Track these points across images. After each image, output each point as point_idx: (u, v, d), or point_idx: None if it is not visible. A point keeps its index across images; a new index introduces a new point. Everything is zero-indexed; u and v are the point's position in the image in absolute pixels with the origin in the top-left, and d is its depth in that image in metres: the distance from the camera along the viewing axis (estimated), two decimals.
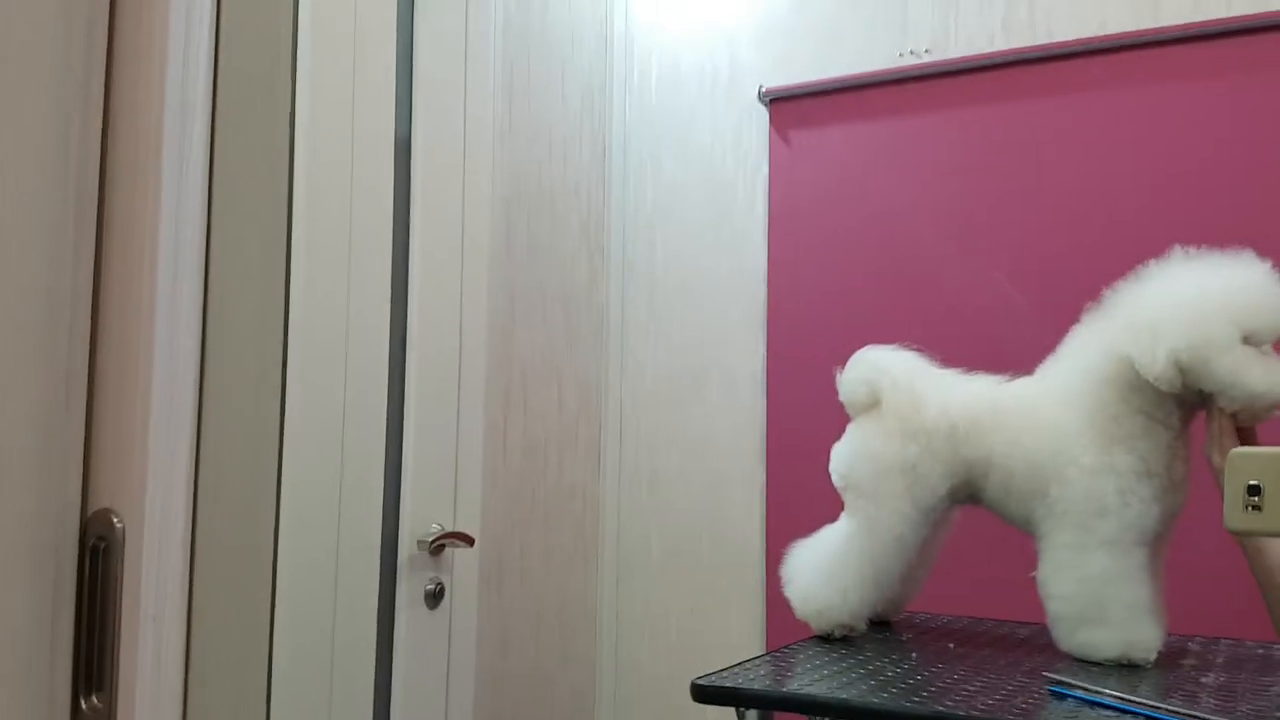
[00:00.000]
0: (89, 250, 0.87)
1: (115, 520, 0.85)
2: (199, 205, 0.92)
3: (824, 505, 1.61)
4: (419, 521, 2.06)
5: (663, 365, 2.76)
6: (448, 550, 2.12)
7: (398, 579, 2.01)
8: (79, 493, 0.86)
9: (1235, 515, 1.09)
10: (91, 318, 0.87)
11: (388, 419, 1.99)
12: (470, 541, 2.12)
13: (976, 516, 1.61)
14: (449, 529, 2.10)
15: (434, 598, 2.08)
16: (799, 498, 2.48)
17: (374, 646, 1.94)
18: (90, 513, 0.86)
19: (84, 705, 0.86)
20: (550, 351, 2.62)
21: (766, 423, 2.60)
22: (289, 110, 1.06)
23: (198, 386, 0.89)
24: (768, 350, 2.60)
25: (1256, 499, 1.07)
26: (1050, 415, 1.44)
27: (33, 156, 0.82)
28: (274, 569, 1.65)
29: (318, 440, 1.82)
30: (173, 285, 0.88)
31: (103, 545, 0.86)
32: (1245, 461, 1.09)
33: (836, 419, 1.63)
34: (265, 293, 1.05)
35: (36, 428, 0.83)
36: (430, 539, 2.05)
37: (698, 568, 2.69)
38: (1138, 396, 1.39)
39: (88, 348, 0.87)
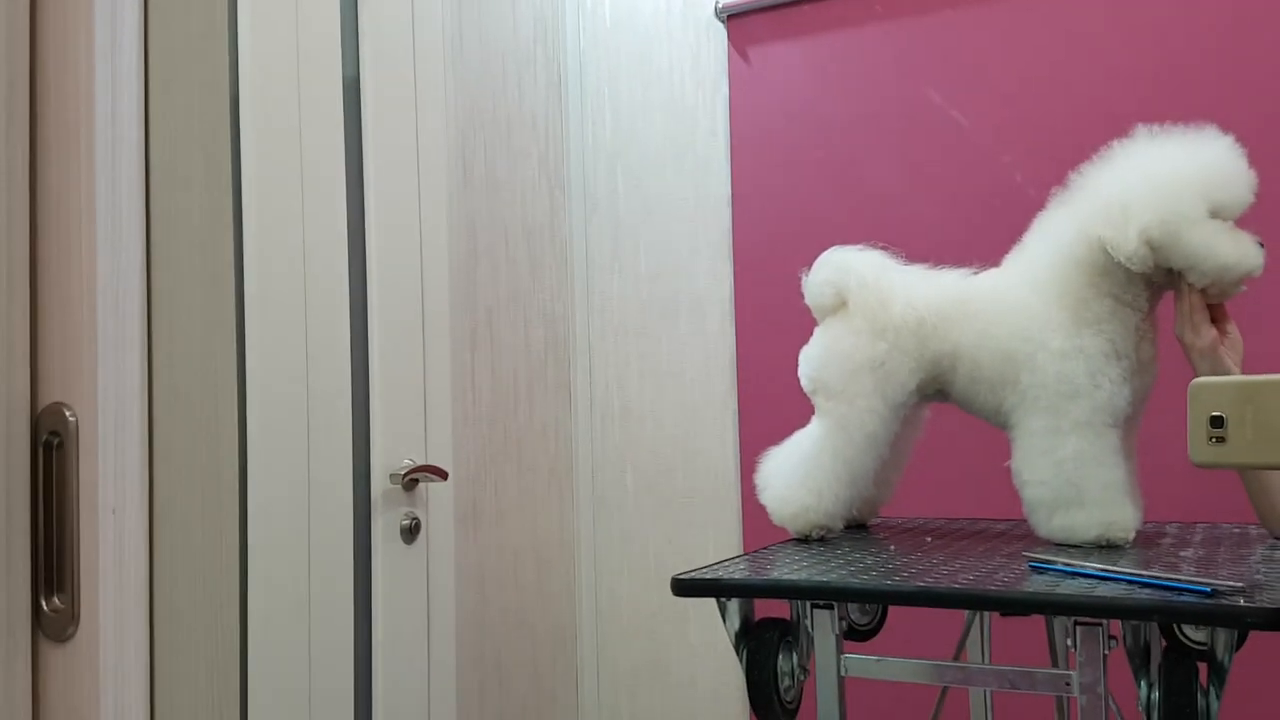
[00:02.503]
0: (22, 130, 0.84)
1: (68, 413, 0.82)
2: (135, 106, 0.89)
3: (797, 428, 1.60)
4: (390, 456, 2.04)
5: (630, 297, 2.74)
6: (422, 486, 2.10)
7: (372, 513, 1.99)
8: (27, 387, 0.83)
9: (1199, 448, 1.05)
10: (30, 202, 0.83)
11: (352, 357, 1.96)
12: (443, 475, 2.10)
13: (948, 422, 1.60)
14: (421, 464, 2.08)
15: (410, 533, 2.07)
16: (772, 423, 2.46)
17: (352, 578, 1.92)
18: (41, 408, 0.83)
19: (45, 607, 0.83)
20: (515, 287, 2.59)
21: (736, 349, 2.58)
22: (222, 40, 1.02)
23: (144, 274, 0.86)
24: (735, 276, 2.58)
25: (1220, 430, 1.04)
26: (1018, 303, 1.43)
27: None
28: (244, 475, 1.62)
29: (281, 377, 1.80)
30: (112, 171, 0.85)
31: (56, 440, 0.83)
32: (1206, 392, 1.05)
33: (806, 341, 1.61)
34: (212, 200, 1.02)
35: None
36: (403, 473, 2.03)
37: (674, 499, 2.69)
38: (1106, 280, 1.39)
39: (28, 235, 0.84)
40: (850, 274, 1.53)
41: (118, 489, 0.82)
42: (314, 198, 1.88)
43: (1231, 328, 1.40)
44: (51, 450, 0.83)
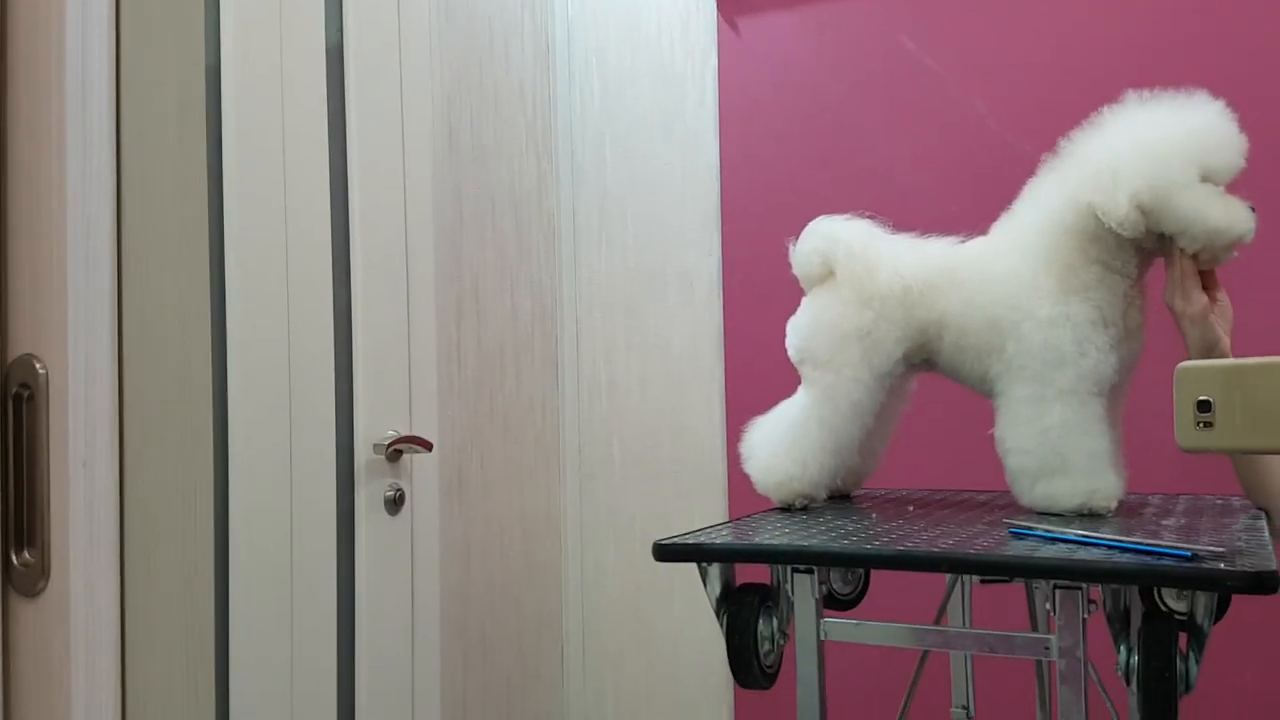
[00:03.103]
0: None
1: (38, 365, 0.81)
2: (107, 57, 0.87)
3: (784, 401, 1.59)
4: (374, 428, 2.03)
5: (617, 268, 2.73)
6: (406, 457, 2.09)
7: (356, 484, 1.98)
8: None
9: (1187, 433, 1.04)
10: None
11: (335, 324, 1.95)
12: (428, 446, 2.09)
13: (934, 394, 1.60)
14: (405, 434, 2.07)
15: (394, 504, 2.06)
16: (759, 396, 2.46)
17: (334, 549, 1.92)
18: (10, 360, 0.82)
19: (14, 561, 0.83)
20: (501, 258, 2.58)
21: (724, 321, 2.58)
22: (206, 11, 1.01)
23: (114, 227, 0.85)
24: (723, 249, 2.57)
25: (1208, 415, 1.02)
26: (1005, 270, 1.42)
27: None
28: (223, 442, 1.61)
29: (263, 342, 1.78)
30: (83, 121, 0.84)
31: (26, 393, 0.82)
32: (1193, 376, 1.03)
33: (795, 312, 1.60)
34: (187, 157, 1.00)
35: None
36: (387, 443, 2.02)
37: (660, 472, 2.68)
38: (1094, 246, 1.38)
39: None
40: (837, 243, 1.53)
41: (89, 442, 0.81)
42: (296, 163, 1.87)
43: (1222, 295, 1.39)
44: (21, 402, 0.82)
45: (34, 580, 0.83)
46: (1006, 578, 1.39)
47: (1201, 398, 1.03)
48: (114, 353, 0.83)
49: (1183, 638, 1.12)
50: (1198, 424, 1.03)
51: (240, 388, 1.73)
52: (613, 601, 2.73)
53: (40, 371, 0.81)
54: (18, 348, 0.82)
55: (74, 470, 0.81)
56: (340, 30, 2.01)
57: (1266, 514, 1.42)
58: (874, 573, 1.53)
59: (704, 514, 2.62)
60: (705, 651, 2.63)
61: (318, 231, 1.91)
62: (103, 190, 0.82)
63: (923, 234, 1.55)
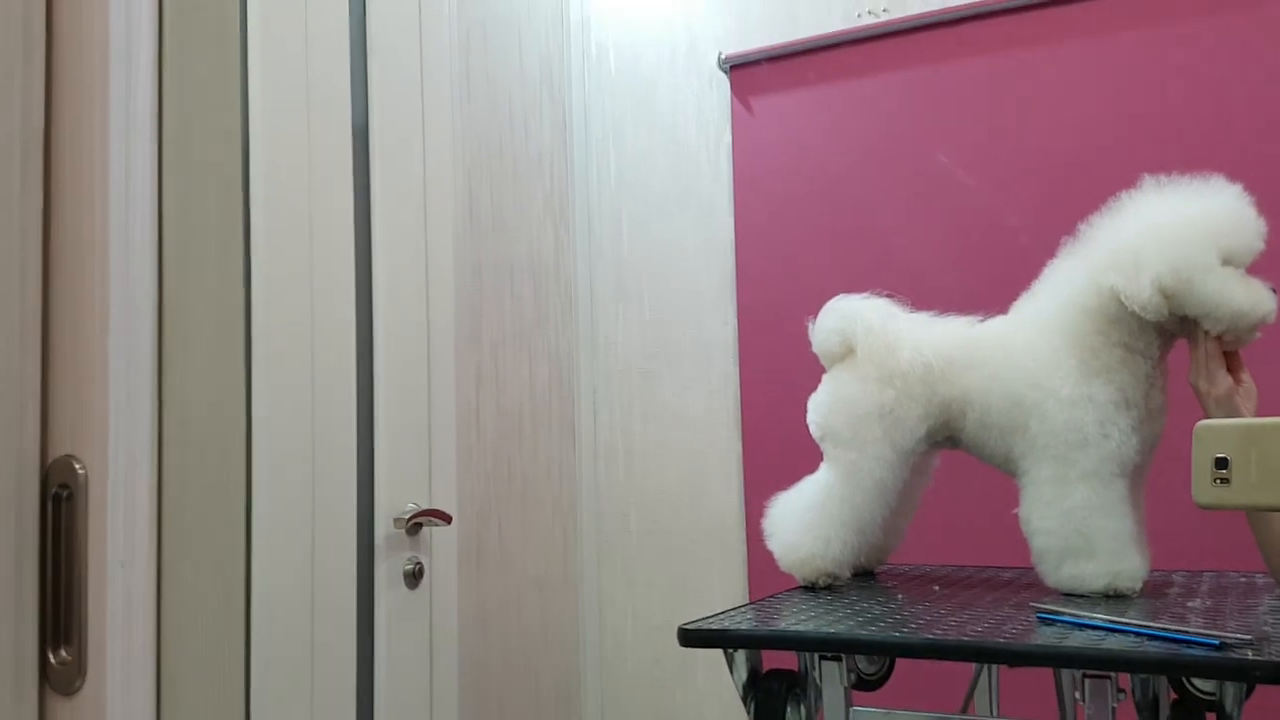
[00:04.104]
0: (36, 190, 0.84)
1: (77, 466, 0.82)
2: (149, 155, 0.89)
3: (803, 473, 1.59)
4: (394, 501, 2.03)
5: (634, 338, 2.74)
6: (425, 529, 2.10)
7: (376, 559, 1.98)
8: (38, 440, 0.83)
9: (1203, 489, 1.06)
10: (43, 256, 0.84)
11: (357, 398, 1.96)
12: (447, 519, 2.09)
13: (956, 470, 1.60)
14: (425, 507, 2.07)
15: (414, 577, 2.06)
16: (777, 467, 2.47)
17: (354, 625, 1.91)
18: (50, 460, 0.83)
19: (52, 659, 0.83)
20: (520, 327, 2.60)
21: (740, 392, 2.58)
22: (236, 91, 1.04)
23: (156, 328, 0.86)
24: (738, 319, 2.59)
25: (1224, 472, 1.04)
26: (1027, 349, 1.43)
27: None
28: (249, 524, 1.62)
29: (287, 421, 1.79)
30: (125, 227, 0.85)
31: (65, 493, 0.83)
32: (1211, 434, 1.05)
33: (812, 385, 1.61)
34: (224, 250, 1.02)
35: None
36: (407, 517, 2.02)
37: (678, 542, 2.68)
38: (1116, 328, 1.39)
39: (40, 290, 0.84)
40: (857, 321, 1.54)
41: (127, 542, 0.82)
42: (323, 242, 1.89)
43: (1246, 376, 1.40)
44: (60, 502, 0.83)
45: (71, 679, 0.83)
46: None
47: (1219, 455, 1.04)
48: (154, 454, 0.84)
49: (1210, 718, 1.12)
50: (1214, 481, 1.05)
51: (265, 469, 1.74)
52: (631, 673, 2.71)
53: (80, 472, 0.82)
54: (58, 449, 0.83)
55: (112, 570, 0.82)
56: (366, 111, 2.04)
57: None
58: None
59: (722, 584, 2.61)
60: None
61: (342, 309, 1.93)
62: (145, 296, 0.84)
63: (939, 312, 1.56)
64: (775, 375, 2.52)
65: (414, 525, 2.04)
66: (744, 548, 2.58)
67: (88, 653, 0.82)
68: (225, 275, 1.01)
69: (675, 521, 2.68)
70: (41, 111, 0.85)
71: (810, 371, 1.61)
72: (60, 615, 0.83)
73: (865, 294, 1.59)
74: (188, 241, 0.95)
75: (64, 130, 0.86)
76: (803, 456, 1.60)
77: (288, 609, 1.77)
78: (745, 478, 2.58)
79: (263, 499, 1.72)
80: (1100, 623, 1.17)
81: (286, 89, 1.83)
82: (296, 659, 1.78)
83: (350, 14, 2.01)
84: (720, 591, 2.61)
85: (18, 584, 0.82)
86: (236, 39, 1.05)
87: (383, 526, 2.00)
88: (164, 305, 0.89)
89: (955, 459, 1.59)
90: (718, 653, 1.30)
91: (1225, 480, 1.04)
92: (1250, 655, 1.02)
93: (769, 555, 1.55)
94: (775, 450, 2.50)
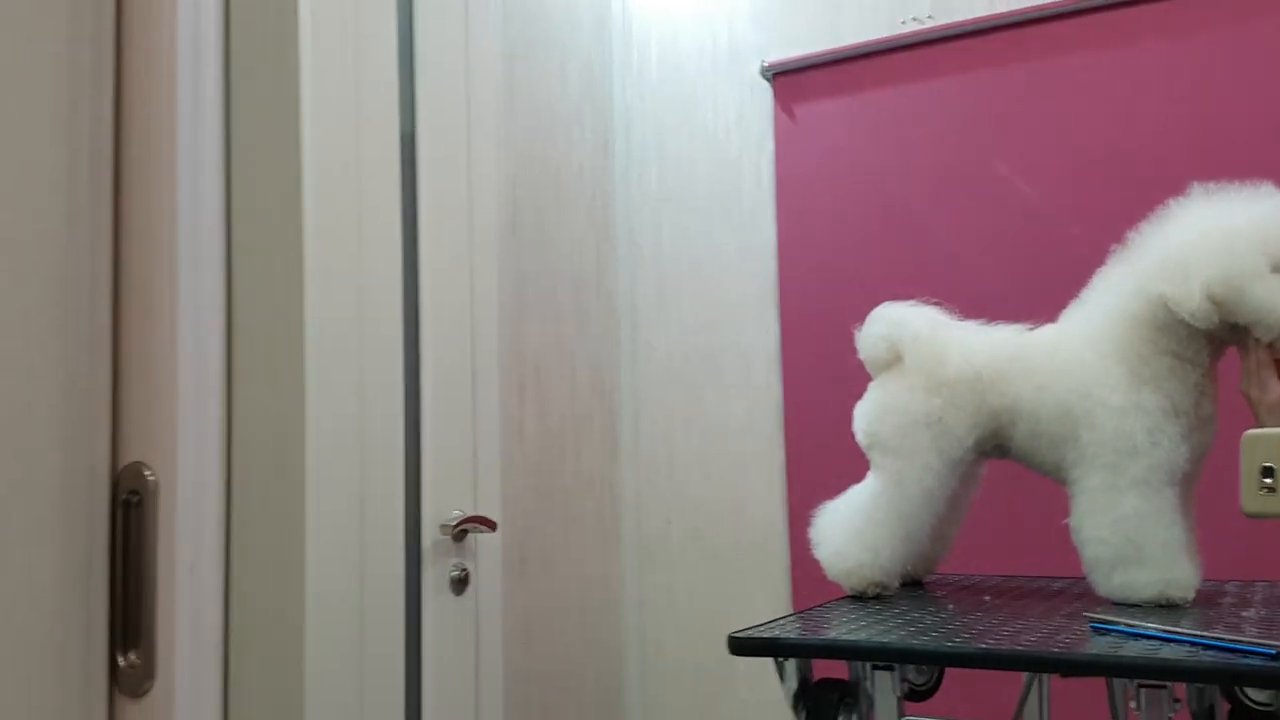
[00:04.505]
0: (106, 205, 0.86)
1: (147, 473, 0.84)
2: (216, 163, 0.91)
3: (847, 480, 1.60)
4: (440, 508, 2.05)
5: (675, 348, 2.75)
6: (470, 537, 2.11)
7: (423, 565, 2.00)
8: (108, 447, 0.85)
9: (1251, 498, 1.05)
10: (113, 270, 0.86)
11: (405, 411, 1.98)
12: (492, 525, 2.10)
13: (1004, 479, 1.60)
14: (470, 514, 2.09)
15: (459, 584, 2.07)
16: (820, 475, 2.47)
17: (403, 630, 1.93)
18: (121, 467, 0.85)
19: (121, 662, 0.85)
20: (561, 338, 2.61)
21: (783, 400, 2.58)
22: (296, 106, 1.05)
23: (225, 335, 0.88)
24: (781, 327, 2.59)
25: (1270, 480, 1.03)
26: (1076, 358, 1.42)
27: (46, 114, 0.82)
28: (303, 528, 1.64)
29: (338, 430, 1.81)
30: (193, 239, 0.87)
31: (135, 499, 0.85)
32: (1258, 443, 1.05)
33: (854, 392, 1.61)
34: (285, 261, 1.04)
35: (62, 383, 0.82)
36: (453, 524, 2.04)
37: (720, 551, 2.68)
38: (1165, 337, 1.38)
39: (110, 300, 0.86)
40: (905, 329, 1.54)
41: (195, 547, 0.84)
42: (371, 254, 1.91)
43: None
44: (130, 508, 0.85)
45: (139, 681, 0.85)
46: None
47: (1266, 464, 1.04)
48: (222, 461, 0.86)
49: None
50: (1261, 489, 1.04)
51: (319, 476, 1.76)
52: (673, 681, 2.71)
53: (149, 479, 0.84)
54: (128, 455, 0.85)
55: (180, 574, 0.83)
56: (414, 120, 2.07)
57: None
58: None
59: (765, 594, 2.61)
60: None
61: (389, 320, 1.95)
62: (213, 306, 0.86)
63: (986, 320, 1.56)
64: (818, 384, 2.52)
65: (460, 532, 2.06)
66: (787, 557, 2.57)
67: (156, 656, 0.84)
68: (286, 286, 1.03)
69: (717, 530, 2.68)
70: (110, 127, 0.87)
71: (854, 380, 1.61)
72: (129, 619, 0.85)
73: (912, 302, 1.59)
74: (251, 253, 0.97)
75: (132, 154, 0.88)
76: (847, 465, 1.60)
77: (339, 613, 1.78)
78: (788, 486, 2.57)
79: (316, 506, 1.74)
80: (1154, 632, 1.16)
81: (337, 101, 1.86)
82: (347, 663, 1.79)
83: (399, 28, 2.04)
84: (763, 600, 2.61)
85: (88, 588, 0.83)
86: (295, 54, 1.07)
87: (429, 533, 2.01)
88: (231, 316, 0.91)
89: (1003, 467, 1.58)
90: (760, 662, 1.30)
91: (1271, 489, 1.03)
92: None
93: (812, 564, 1.55)
94: (818, 459, 2.49)
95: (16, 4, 0.80)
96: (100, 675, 0.85)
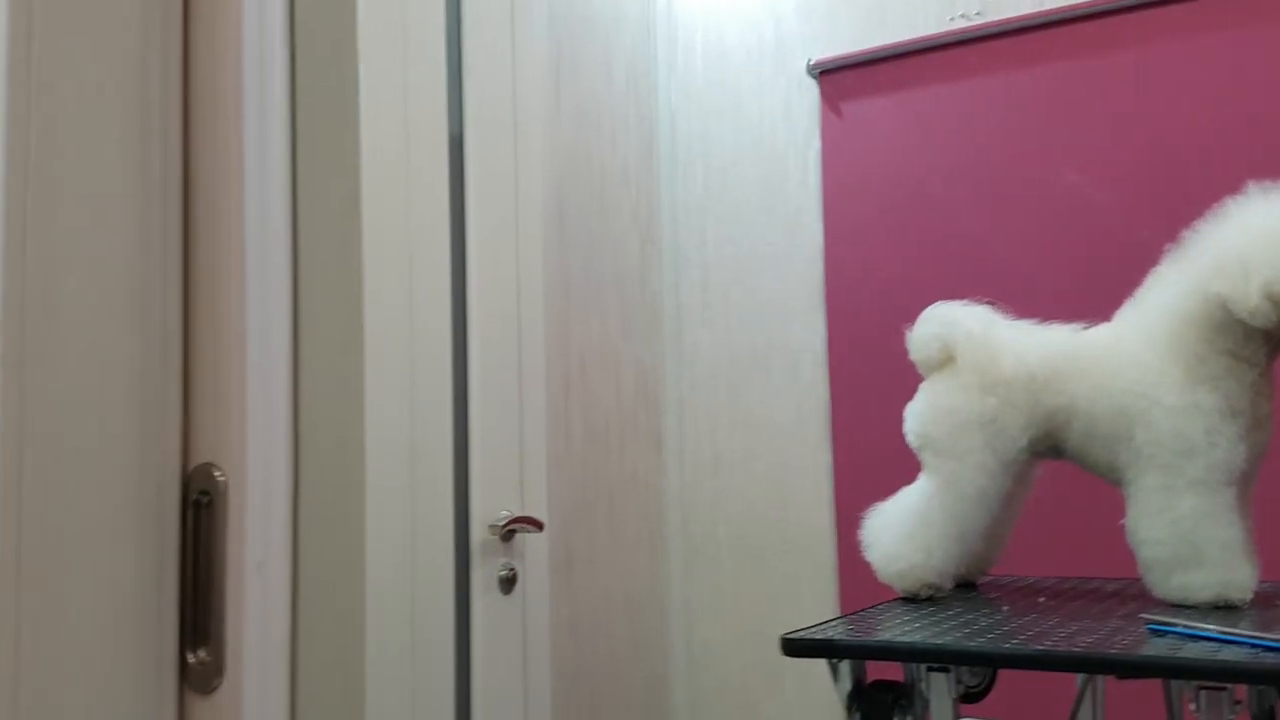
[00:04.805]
0: (176, 214, 0.88)
1: (217, 474, 0.86)
2: (282, 169, 0.93)
3: (895, 482, 1.59)
4: (488, 508, 2.06)
5: (721, 348, 2.75)
6: (518, 537, 2.12)
7: (471, 565, 2.02)
8: (179, 449, 0.87)
9: None
10: (183, 278, 0.88)
11: (454, 413, 1.99)
12: (539, 526, 2.12)
13: (1057, 480, 1.59)
14: (518, 514, 2.10)
15: (507, 583, 2.08)
16: (868, 478, 2.46)
17: (453, 629, 1.94)
18: (191, 468, 0.87)
19: (191, 659, 0.86)
20: (606, 339, 2.62)
21: (830, 401, 2.58)
22: (356, 112, 1.07)
23: (292, 339, 0.90)
24: (828, 327, 2.58)
25: None
26: (1132, 357, 1.41)
27: (118, 123, 0.84)
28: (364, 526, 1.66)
29: (390, 431, 1.83)
30: (261, 247, 0.89)
31: (205, 499, 0.86)
32: None
33: (903, 393, 1.61)
34: (346, 265, 1.05)
35: (136, 388, 0.84)
36: (501, 524, 2.05)
37: (767, 552, 2.68)
38: (1222, 336, 1.37)
39: (181, 308, 0.88)
40: (957, 328, 1.53)
41: (264, 546, 0.85)
42: (420, 255, 1.93)
43: None
44: (200, 508, 0.86)
45: (209, 678, 0.86)
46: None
47: None
48: (289, 462, 0.87)
49: None
50: None
51: (372, 478, 1.78)
52: (720, 683, 2.71)
53: (220, 479, 0.85)
54: (198, 457, 0.87)
55: (249, 573, 0.85)
56: (461, 123, 2.08)
57: None
58: None
59: (812, 595, 2.61)
60: None
61: (438, 323, 1.97)
62: (280, 312, 0.87)
63: (1038, 320, 1.55)
64: (865, 384, 2.51)
65: (508, 532, 2.07)
66: (834, 559, 2.57)
67: (225, 653, 0.85)
68: (347, 292, 1.04)
69: (763, 531, 2.68)
70: (179, 136, 0.89)
71: (903, 380, 1.61)
72: (199, 617, 0.86)
73: (964, 301, 1.58)
74: (313, 259, 0.98)
75: (200, 167, 0.90)
76: (895, 466, 1.59)
77: (393, 611, 1.80)
78: (836, 487, 2.57)
79: (372, 506, 1.75)
80: (1214, 634, 1.15)
81: (388, 106, 1.88)
82: (400, 659, 1.81)
83: (447, 33, 2.05)
84: (810, 602, 2.61)
85: (159, 587, 0.85)
86: (354, 63, 1.08)
87: (478, 533, 2.03)
88: (296, 322, 0.93)
89: (1056, 468, 1.57)
90: (807, 663, 1.30)
91: None
92: None
93: (861, 566, 1.55)
94: (866, 460, 2.49)
95: (91, 20, 0.81)
96: (171, 672, 0.86)
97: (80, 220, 0.80)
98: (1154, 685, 1.52)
